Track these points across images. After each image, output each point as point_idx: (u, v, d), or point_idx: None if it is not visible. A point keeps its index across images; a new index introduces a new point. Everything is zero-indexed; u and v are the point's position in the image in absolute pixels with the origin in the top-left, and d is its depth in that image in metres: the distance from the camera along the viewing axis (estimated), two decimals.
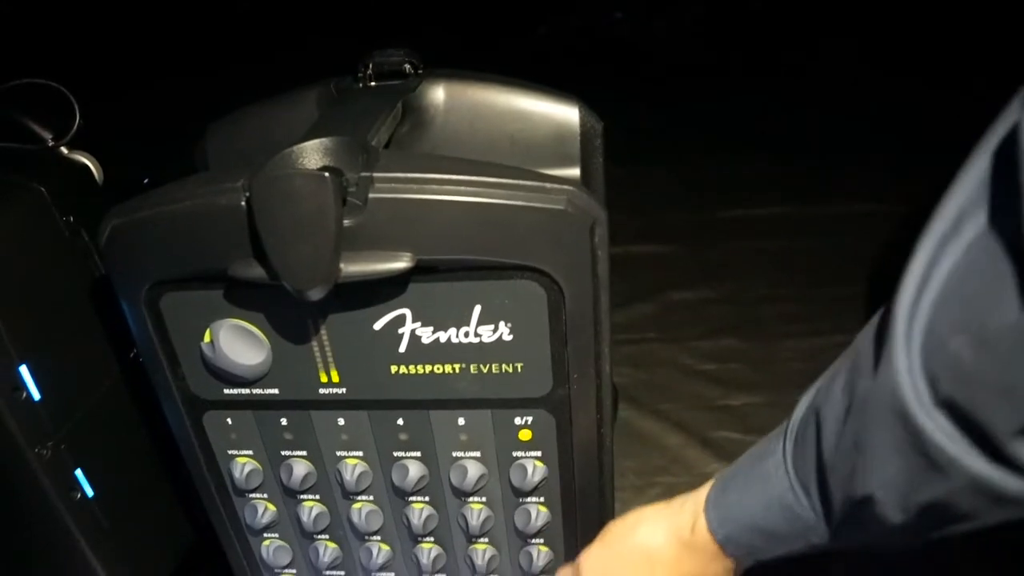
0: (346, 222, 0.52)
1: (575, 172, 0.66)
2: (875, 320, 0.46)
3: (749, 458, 0.57)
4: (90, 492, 0.75)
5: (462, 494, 0.65)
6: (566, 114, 0.67)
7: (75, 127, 0.78)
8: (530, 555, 0.68)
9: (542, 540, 0.68)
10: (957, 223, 0.39)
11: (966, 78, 1.82)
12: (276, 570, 0.74)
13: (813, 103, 2.02)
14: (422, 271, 0.54)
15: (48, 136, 0.79)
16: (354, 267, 0.53)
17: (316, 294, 0.53)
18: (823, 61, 2.24)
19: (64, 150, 0.79)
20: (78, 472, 0.74)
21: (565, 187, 0.53)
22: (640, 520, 0.61)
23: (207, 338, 0.60)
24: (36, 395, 0.69)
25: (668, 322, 1.38)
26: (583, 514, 0.66)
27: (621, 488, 0.65)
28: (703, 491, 0.58)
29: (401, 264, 0.53)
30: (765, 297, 1.42)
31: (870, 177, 1.71)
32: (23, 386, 0.68)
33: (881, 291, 0.48)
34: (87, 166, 0.79)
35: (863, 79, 2.09)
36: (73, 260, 0.74)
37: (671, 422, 1.19)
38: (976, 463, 0.39)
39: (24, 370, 0.68)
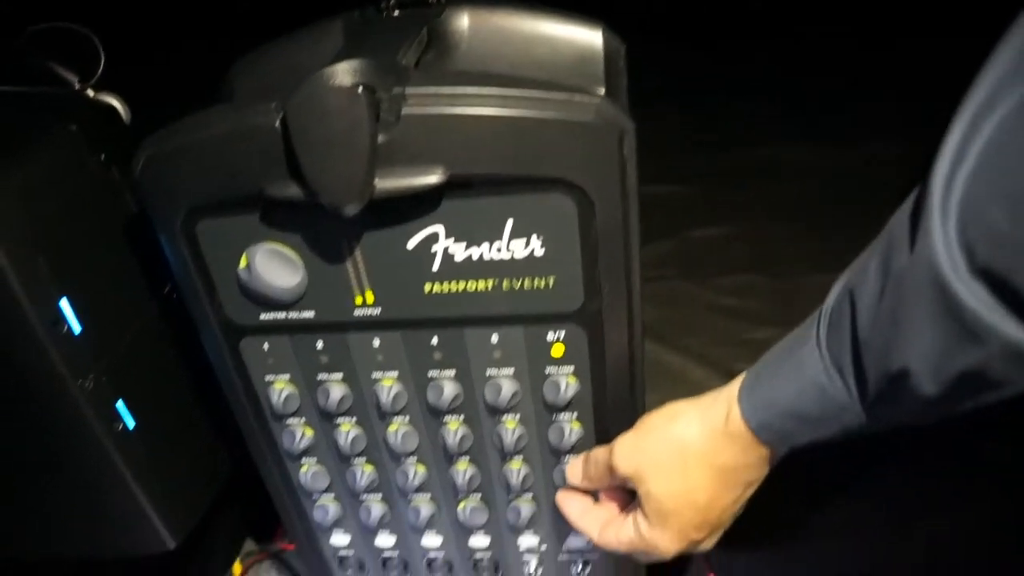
0: (380, 139, 0.53)
1: (600, 92, 0.67)
2: (907, 203, 0.47)
3: (781, 348, 0.58)
4: (131, 424, 0.77)
5: (496, 412, 0.66)
6: (590, 36, 0.67)
7: (100, 69, 0.79)
8: (564, 472, 0.70)
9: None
10: (994, 96, 0.40)
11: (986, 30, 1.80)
12: (314, 495, 0.76)
13: (832, 48, 2.00)
14: (454, 187, 0.55)
15: (75, 79, 0.79)
16: (388, 183, 0.54)
17: (351, 210, 0.54)
18: (844, 13, 2.22)
19: (90, 92, 0.79)
20: (119, 404, 0.75)
21: (593, 100, 0.54)
22: (676, 413, 0.62)
23: (243, 263, 0.61)
24: (76, 328, 0.71)
25: (689, 260, 1.40)
26: (616, 429, 0.67)
27: None
28: (736, 383, 0.59)
29: (434, 179, 0.54)
30: (784, 235, 1.43)
31: (889, 120, 1.70)
32: (64, 319, 0.70)
33: None
34: (114, 107, 0.80)
35: (883, 30, 2.07)
36: (106, 198, 0.76)
37: (695, 357, 1.21)
38: (1011, 329, 0.40)
39: (64, 303, 0.70)
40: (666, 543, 0.63)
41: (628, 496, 0.68)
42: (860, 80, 1.84)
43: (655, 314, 1.27)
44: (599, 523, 0.69)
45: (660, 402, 0.66)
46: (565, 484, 0.71)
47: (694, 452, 0.60)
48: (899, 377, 0.47)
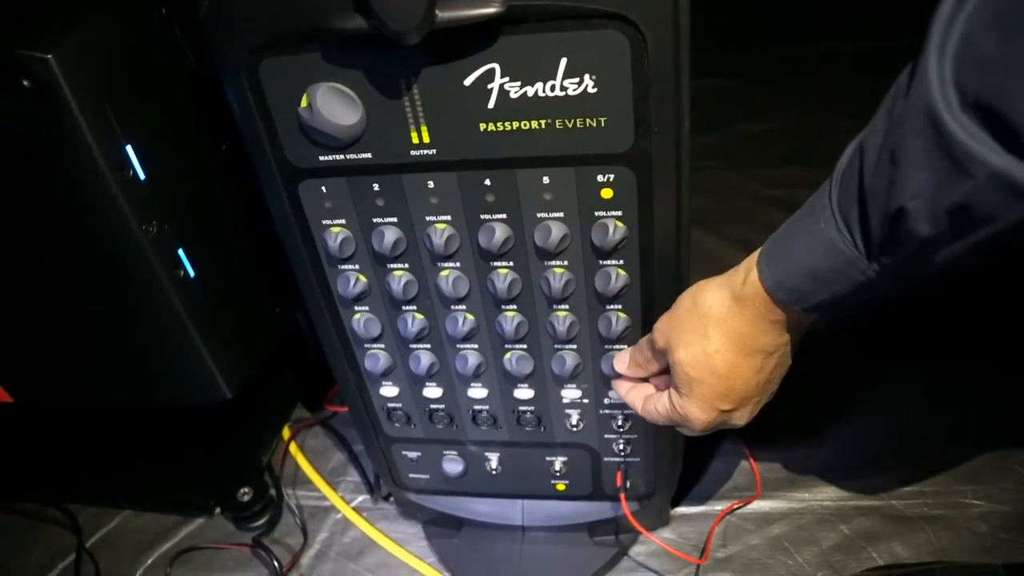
0: None
1: None
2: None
3: (799, 212, 0.60)
4: (192, 272, 0.80)
5: (545, 256, 0.68)
6: None
7: None
8: (609, 320, 0.72)
9: (620, 306, 0.72)
10: None
11: None
12: (366, 343, 0.79)
13: None
14: (511, 22, 0.56)
15: None
16: (449, 13, 0.55)
17: (413, 38, 0.55)
18: None
19: None
20: (180, 252, 0.79)
21: None
22: (703, 286, 0.65)
23: (304, 102, 0.63)
24: (141, 175, 0.74)
25: (736, 152, 1.40)
26: (660, 279, 0.69)
27: None
28: (757, 251, 0.62)
29: (492, 9, 0.55)
30: (831, 128, 1.41)
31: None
32: (130, 164, 0.73)
33: None
34: None
35: None
36: (167, 52, 0.78)
37: (738, 242, 1.22)
38: (996, 158, 0.43)
39: (130, 150, 0.72)
40: (695, 411, 0.67)
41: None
42: None
43: (697, 202, 1.27)
44: (642, 396, 0.73)
45: None
46: (609, 335, 0.73)
47: (714, 318, 0.63)
48: (897, 218, 0.49)
